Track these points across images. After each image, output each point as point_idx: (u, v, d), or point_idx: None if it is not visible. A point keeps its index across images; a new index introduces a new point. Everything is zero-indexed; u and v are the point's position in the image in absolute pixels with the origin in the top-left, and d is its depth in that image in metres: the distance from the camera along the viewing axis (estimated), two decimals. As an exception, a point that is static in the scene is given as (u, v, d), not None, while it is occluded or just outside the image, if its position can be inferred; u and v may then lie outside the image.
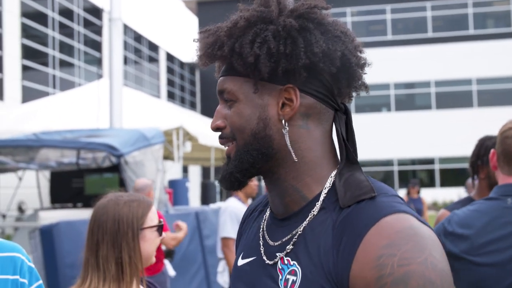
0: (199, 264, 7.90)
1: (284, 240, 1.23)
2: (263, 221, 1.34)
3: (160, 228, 2.29)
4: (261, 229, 1.33)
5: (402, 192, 10.77)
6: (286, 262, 1.20)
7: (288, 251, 1.21)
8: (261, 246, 1.29)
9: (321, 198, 1.21)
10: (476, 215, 2.18)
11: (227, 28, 1.23)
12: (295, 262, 1.18)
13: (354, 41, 1.26)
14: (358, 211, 1.13)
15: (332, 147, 1.26)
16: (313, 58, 1.18)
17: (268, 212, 1.34)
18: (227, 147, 1.27)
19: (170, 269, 6.31)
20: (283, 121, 1.21)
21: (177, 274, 6.89)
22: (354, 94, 1.29)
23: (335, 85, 1.23)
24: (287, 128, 1.21)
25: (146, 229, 2.22)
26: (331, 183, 1.22)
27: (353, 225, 1.11)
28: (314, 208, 1.20)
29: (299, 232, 1.20)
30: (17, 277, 1.85)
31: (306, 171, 1.23)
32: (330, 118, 1.25)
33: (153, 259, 2.28)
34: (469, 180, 9.36)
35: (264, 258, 1.26)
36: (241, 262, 1.34)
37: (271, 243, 1.26)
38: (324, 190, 1.21)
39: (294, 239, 1.20)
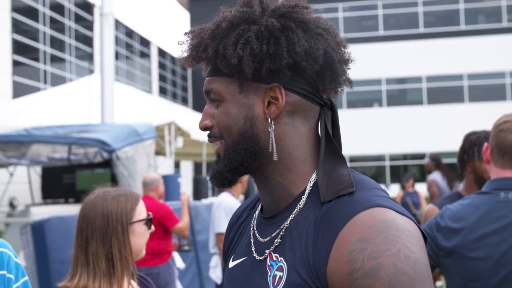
0: (191, 259, 7.90)
1: (272, 236, 1.25)
2: (253, 220, 1.36)
3: (149, 222, 2.29)
4: (252, 229, 1.34)
5: (395, 187, 10.79)
6: (274, 258, 1.22)
7: (276, 246, 1.23)
8: (252, 245, 1.31)
9: (306, 193, 1.23)
10: (469, 209, 2.19)
11: (210, 30, 1.24)
12: (282, 258, 1.20)
13: (336, 37, 1.27)
14: (336, 207, 1.15)
15: (318, 143, 1.27)
16: (296, 57, 1.19)
17: (257, 212, 1.36)
18: (216, 146, 1.29)
19: (179, 261, 6.37)
20: (269, 120, 1.22)
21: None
22: (339, 89, 1.30)
23: (319, 81, 1.25)
24: (273, 126, 1.23)
25: (135, 223, 2.22)
26: (315, 178, 1.24)
27: (330, 221, 1.13)
28: (300, 203, 1.22)
29: (285, 228, 1.22)
30: (4, 272, 1.84)
31: (292, 168, 1.24)
32: (316, 114, 1.26)
33: (143, 253, 2.28)
34: (430, 176, 9.43)
35: (255, 255, 1.28)
36: (232, 264, 1.37)
37: (261, 240, 1.28)
38: (309, 185, 1.23)
39: (280, 235, 1.23)
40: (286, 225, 1.22)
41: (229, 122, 1.23)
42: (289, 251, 1.19)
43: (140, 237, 2.24)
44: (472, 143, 3.02)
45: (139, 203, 2.27)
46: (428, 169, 10.02)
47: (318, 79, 1.24)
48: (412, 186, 11.64)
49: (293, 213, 1.22)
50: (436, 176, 9.30)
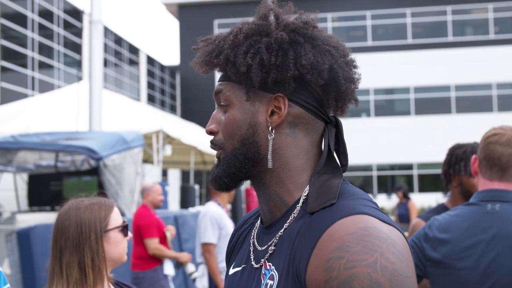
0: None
1: (268, 244, 1.27)
2: (254, 229, 1.39)
3: (125, 229, 2.28)
4: (252, 237, 1.37)
5: (382, 197, 10.72)
6: (268, 267, 1.24)
7: (270, 255, 1.25)
8: (251, 253, 1.33)
9: (300, 203, 1.24)
10: (456, 220, 2.21)
11: (226, 39, 1.29)
12: (274, 267, 1.22)
13: (346, 57, 1.30)
14: (319, 216, 1.16)
15: (319, 157, 1.30)
16: (301, 70, 1.23)
17: (258, 221, 1.38)
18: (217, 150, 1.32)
19: (168, 268, 6.40)
20: (270, 128, 1.25)
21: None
22: (345, 107, 1.33)
23: (324, 97, 1.28)
24: (273, 135, 1.25)
25: (110, 230, 2.22)
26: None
27: (312, 229, 1.14)
28: (294, 212, 1.24)
29: (279, 237, 1.24)
30: None
31: (289, 178, 1.26)
32: (319, 129, 1.29)
33: (124, 259, 2.28)
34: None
35: (253, 263, 1.31)
36: (232, 271, 1.39)
37: (259, 248, 1.31)
38: (303, 194, 1.25)
39: (274, 244, 1.25)
40: (280, 234, 1.24)
41: (234, 128, 1.27)
42: (280, 260, 1.20)
43: (116, 244, 2.23)
44: (459, 158, 3.01)
45: (114, 210, 2.27)
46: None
47: (323, 94, 1.28)
48: (403, 196, 11.40)
49: (287, 222, 1.24)
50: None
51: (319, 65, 1.23)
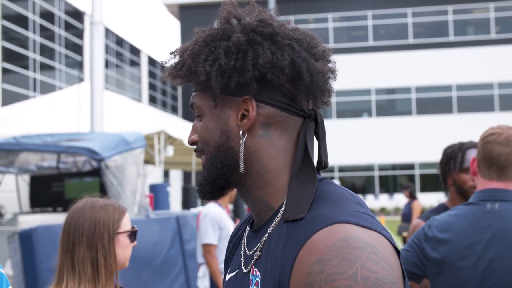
0: (180, 268, 7.87)
1: (254, 250, 1.26)
2: (245, 233, 1.38)
3: (133, 235, 2.30)
4: (243, 241, 1.36)
5: (383, 197, 10.75)
6: (255, 273, 1.23)
7: (256, 260, 1.24)
8: (242, 257, 1.33)
9: (283, 207, 1.23)
10: (456, 219, 2.22)
11: (187, 49, 1.28)
12: (259, 273, 1.21)
13: (313, 48, 1.27)
14: (299, 225, 1.14)
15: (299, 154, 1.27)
16: (261, 69, 1.21)
17: (248, 226, 1.37)
18: (202, 159, 1.32)
19: None
20: (240, 132, 1.24)
21: (158, 279, 6.88)
22: (322, 99, 1.30)
23: (295, 91, 1.25)
24: (244, 138, 1.23)
25: (121, 234, 2.24)
26: None
27: (291, 240, 1.13)
28: (278, 216, 1.22)
29: (263, 241, 1.23)
30: None
31: (269, 181, 1.25)
32: (296, 125, 1.26)
33: (127, 264, 2.29)
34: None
35: (243, 267, 1.29)
36: (227, 277, 1.39)
37: (248, 253, 1.30)
38: (286, 198, 1.24)
39: (259, 248, 1.24)
40: (264, 239, 1.23)
41: (207, 136, 1.26)
42: (264, 266, 1.19)
43: (123, 248, 2.25)
44: (448, 156, 3.12)
45: (125, 215, 2.30)
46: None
47: (293, 89, 1.25)
48: (409, 196, 11.50)
49: (271, 226, 1.23)
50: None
51: (279, 61, 1.21)
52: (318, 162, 1.28)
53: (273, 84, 1.23)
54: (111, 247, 2.19)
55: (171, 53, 1.33)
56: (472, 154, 2.97)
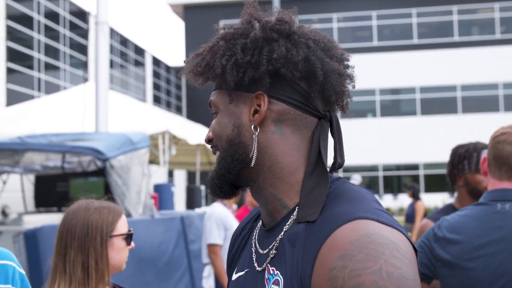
0: (184, 269, 7.87)
1: (269, 247, 1.26)
2: (255, 232, 1.38)
3: (129, 238, 2.29)
4: (254, 238, 1.36)
5: (388, 197, 10.75)
6: (271, 271, 1.22)
7: (272, 258, 1.23)
8: (253, 254, 1.32)
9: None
10: (466, 220, 2.20)
11: (208, 48, 1.31)
12: (278, 272, 1.20)
13: (330, 50, 1.28)
14: (319, 222, 1.14)
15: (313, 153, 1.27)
16: (275, 64, 1.22)
17: (259, 224, 1.37)
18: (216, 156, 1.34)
19: None
20: (252, 126, 1.25)
21: (163, 279, 6.87)
22: (340, 102, 1.31)
23: (310, 90, 1.25)
24: (256, 133, 1.25)
25: (115, 237, 2.23)
26: None
27: (313, 236, 1.13)
28: (293, 215, 1.22)
29: (279, 240, 1.23)
30: (9, 286, 1.83)
31: (282, 177, 1.25)
32: (311, 125, 1.27)
33: (123, 267, 2.28)
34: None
35: (256, 265, 1.29)
36: (234, 276, 1.38)
37: (261, 252, 1.29)
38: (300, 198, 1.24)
39: (275, 247, 1.23)
40: (280, 237, 1.23)
41: (220, 130, 1.29)
42: (284, 264, 1.19)
43: (118, 251, 2.24)
44: (462, 156, 3.05)
45: (121, 218, 2.28)
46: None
47: (308, 88, 1.25)
48: (411, 196, 11.49)
49: (287, 224, 1.22)
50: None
51: (293, 57, 1.22)
52: (333, 163, 1.28)
53: (286, 80, 1.24)
54: (103, 250, 2.18)
55: (192, 53, 1.35)
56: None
